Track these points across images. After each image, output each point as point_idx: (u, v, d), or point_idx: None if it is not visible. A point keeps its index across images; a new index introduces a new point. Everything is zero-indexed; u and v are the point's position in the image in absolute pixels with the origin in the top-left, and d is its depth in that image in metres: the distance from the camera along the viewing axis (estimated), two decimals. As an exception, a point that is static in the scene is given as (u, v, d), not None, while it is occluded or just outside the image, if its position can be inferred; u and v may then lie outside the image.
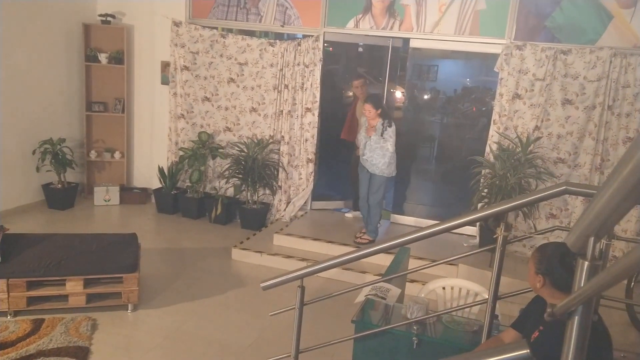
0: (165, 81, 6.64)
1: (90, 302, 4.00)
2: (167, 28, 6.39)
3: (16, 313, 3.88)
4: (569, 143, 5.25)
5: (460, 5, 5.47)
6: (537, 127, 5.28)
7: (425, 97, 6.36)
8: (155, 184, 6.73)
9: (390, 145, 5.07)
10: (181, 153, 6.42)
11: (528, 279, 2.14)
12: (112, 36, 6.58)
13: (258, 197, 6.19)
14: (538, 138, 5.20)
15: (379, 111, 5.04)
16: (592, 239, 1.09)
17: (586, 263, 1.11)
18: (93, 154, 6.76)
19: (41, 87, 6.19)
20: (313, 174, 6.25)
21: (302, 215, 6.23)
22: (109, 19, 6.51)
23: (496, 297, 2.48)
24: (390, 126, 5.04)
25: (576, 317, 1.10)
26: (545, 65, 5.15)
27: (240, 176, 6.02)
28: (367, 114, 5.05)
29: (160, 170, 6.57)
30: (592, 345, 1.20)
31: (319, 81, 5.95)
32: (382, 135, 5.04)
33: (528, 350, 1.16)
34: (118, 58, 6.59)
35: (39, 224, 5.79)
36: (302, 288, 2.52)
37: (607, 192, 1.01)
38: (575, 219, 5.06)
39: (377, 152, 5.09)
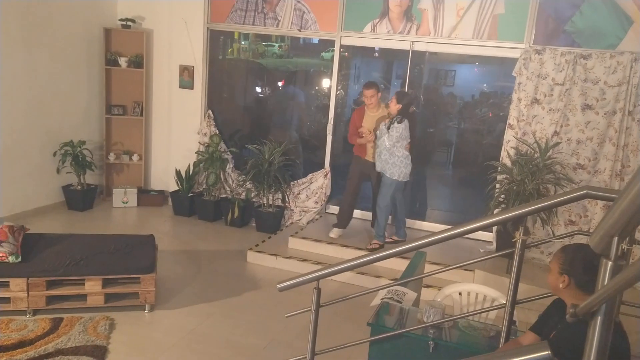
0: (183, 85, 6.71)
1: (108, 302, 4.05)
2: (186, 32, 6.47)
3: (35, 312, 3.93)
4: (588, 149, 5.18)
5: (479, 9, 5.44)
6: (556, 133, 5.22)
7: (443, 102, 6.33)
8: (172, 186, 6.79)
9: (387, 140, 4.95)
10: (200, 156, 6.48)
11: (549, 280, 2.12)
12: (132, 40, 6.67)
13: (273, 200, 6.21)
14: (557, 143, 5.14)
15: (399, 107, 4.95)
16: (615, 239, 1.08)
17: (610, 263, 1.10)
18: (112, 157, 6.85)
19: (62, 90, 6.29)
20: (328, 179, 6.25)
21: (317, 219, 6.23)
22: (129, 23, 6.61)
23: (514, 302, 2.45)
24: (399, 122, 4.92)
25: (599, 317, 1.09)
26: (564, 70, 5.10)
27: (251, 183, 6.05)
28: (391, 105, 5.03)
29: (177, 173, 6.63)
30: (611, 347, 1.18)
31: (333, 87, 5.96)
32: (388, 129, 4.95)
33: (549, 352, 1.15)
34: (137, 62, 6.67)
35: (59, 224, 5.88)
36: (319, 290, 2.52)
37: (631, 191, 1.00)
38: (595, 225, 4.98)
39: (384, 150, 5.05)
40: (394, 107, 4.96)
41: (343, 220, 5.64)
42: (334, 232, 5.61)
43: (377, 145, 5.16)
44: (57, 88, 6.21)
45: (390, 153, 5.01)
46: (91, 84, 6.66)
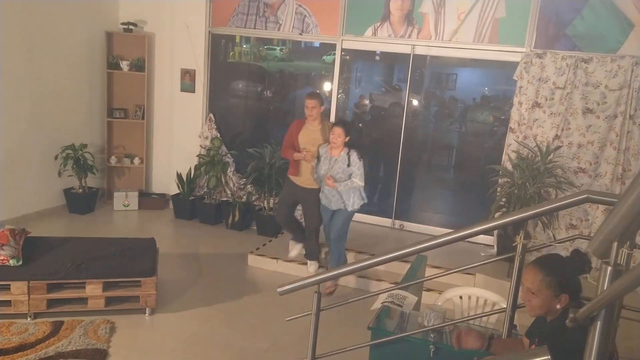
0: (184, 88, 6.73)
1: (109, 305, 4.04)
2: (187, 36, 6.49)
3: (36, 315, 3.93)
4: (589, 152, 5.18)
5: (480, 13, 5.45)
6: (557, 136, 5.22)
7: (444, 105, 6.34)
8: (174, 189, 6.80)
9: (359, 179, 4.46)
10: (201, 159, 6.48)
11: (537, 305, 1.99)
12: (134, 44, 6.69)
13: (274, 203, 6.21)
14: (558, 147, 5.14)
15: (347, 139, 4.43)
16: (615, 244, 1.08)
17: (609, 268, 1.10)
18: (113, 160, 6.86)
19: (64, 94, 6.31)
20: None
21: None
22: (131, 27, 6.63)
23: (515, 306, 2.45)
24: (360, 159, 4.45)
25: (598, 322, 1.09)
26: (565, 74, 5.11)
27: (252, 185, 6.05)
28: (335, 139, 4.39)
29: (179, 176, 6.64)
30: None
31: (335, 91, 5.97)
32: (348, 166, 4.43)
33: (549, 357, 1.15)
34: (139, 65, 6.69)
35: (60, 227, 5.88)
36: (319, 293, 2.52)
37: (631, 196, 1.00)
38: (596, 229, 4.98)
39: (344, 186, 4.48)
40: (342, 141, 4.41)
41: (312, 251, 5.11)
42: (294, 251, 5.18)
43: (322, 181, 4.62)
44: (59, 91, 6.22)
45: (349, 189, 4.53)
46: (93, 88, 6.68)
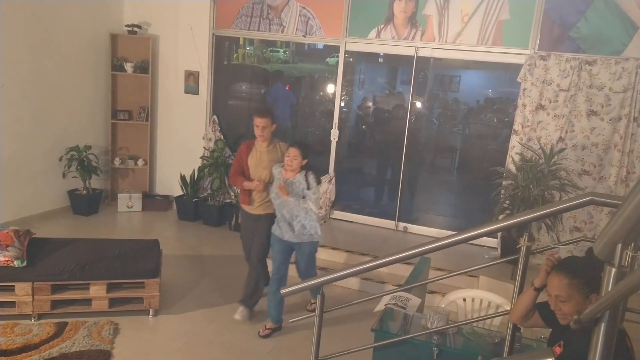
0: (188, 90, 6.75)
1: (113, 306, 4.06)
2: (191, 38, 6.51)
3: (40, 316, 3.95)
4: (593, 155, 5.17)
5: (484, 15, 5.45)
6: (561, 139, 5.21)
7: (447, 107, 6.33)
8: (177, 191, 6.81)
9: (314, 205, 3.91)
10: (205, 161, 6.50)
11: (568, 311, 1.90)
12: (138, 46, 6.72)
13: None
14: (562, 149, 5.13)
15: (305, 162, 3.89)
16: (619, 246, 1.08)
17: (613, 270, 1.09)
18: (117, 161, 6.88)
19: (69, 95, 6.33)
20: (332, 185, 6.26)
21: (321, 224, 6.21)
22: (135, 29, 6.66)
23: (519, 308, 2.44)
24: (318, 182, 3.96)
25: (602, 324, 1.09)
26: (569, 76, 5.10)
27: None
28: (291, 162, 3.84)
29: (182, 178, 6.65)
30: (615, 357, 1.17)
31: (338, 93, 5.98)
32: (307, 189, 3.87)
33: (553, 358, 1.15)
34: (143, 67, 6.71)
35: (64, 229, 5.90)
36: (322, 295, 2.52)
37: (635, 198, 1.00)
38: (600, 232, 4.96)
39: (301, 212, 3.92)
40: (297, 163, 3.85)
41: (251, 294, 4.29)
42: (239, 313, 4.27)
43: (286, 213, 3.96)
44: (63, 93, 6.25)
45: (307, 214, 3.97)
46: (97, 89, 6.70)
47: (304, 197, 3.88)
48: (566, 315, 1.92)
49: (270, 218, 4.12)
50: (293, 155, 3.84)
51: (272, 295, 4.03)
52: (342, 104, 6.26)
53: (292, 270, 4.26)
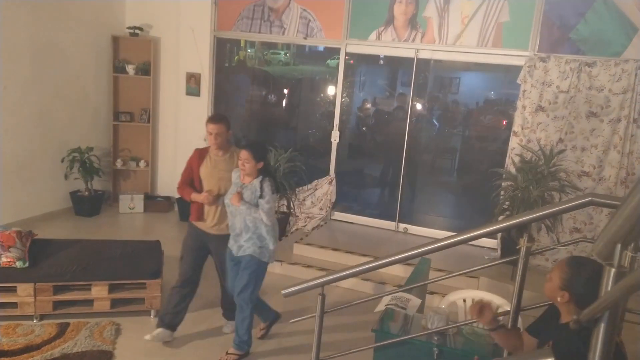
0: (190, 92, 6.77)
1: (115, 307, 4.07)
2: (193, 40, 6.54)
3: (42, 317, 3.96)
4: (593, 156, 5.18)
5: (483, 17, 5.47)
6: (560, 140, 5.23)
7: (447, 109, 6.36)
8: (178, 192, 6.82)
9: (266, 216, 3.48)
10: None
11: (547, 289, 2.07)
12: (140, 48, 6.74)
13: (278, 207, 6.22)
14: (562, 151, 5.14)
15: (260, 165, 3.51)
16: (619, 246, 1.09)
17: (613, 270, 1.11)
18: (119, 163, 6.90)
19: (71, 97, 6.35)
20: (333, 186, 6.28)
21: (322, 226, 6.24)
22: (137, 31, 6.68)
23: (519, 309, 2.46)
24: (273, 191, 3.54)
25: (602, 324, 1.10)
26: (569, 78, 5.11)
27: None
28: (242, 165, 3.48)
29: (184, 179, 6.67)
30: None
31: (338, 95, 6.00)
32: (260, 197, 3.49)
33: (552, 358, 1.16)
34: (145, 69, 6.74)
35: (66, 230, 5.91)
36: (323, 296, 2.54)
37: (634, 199, 1.01)
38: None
39: (251, 223, 3.54)
40: (252, 166, 3.48)
41: (171, 317, 3.86)
42: (229, 327, 4.05)
43: (233, 217, 3.60)
44: (65, 95, 6.27)
45: (257, 226, 3.56)
46: (99, 91, 6.72)
47: (257, 206, 3.49)
48: (545, 291, 2.08)
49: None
50: (244, 158, 3.47)
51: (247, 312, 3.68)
52: (343, 104, 6.28)
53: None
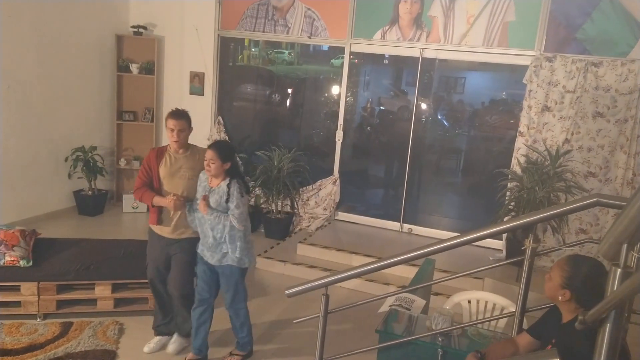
0: (193, 91, 6.77)
1: (118, 306, 4.07)
2: (197, 39, 6.54)
3: (45, 316, 3.96)
4: (599, 157, 5.15)
5: (489, 16, 5.44)
6: (567, 140, 5.20)
7: (452, 109, 6.32)
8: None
9: (237, 221, 3.27)
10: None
11: (547, 288, 2.08)
12: (144, 47, 6.74)
13: (282, 206, 6.22)
14: (568, 151, 5.11)
15: (228, 166, 3.28)
16: (624, 246, 1.08)
17: (619, 270, 1.09)
18: (122, 162, 6.90)
19: (75, 96, 6.36)
20: (337, 186, 6.26)
21: (326, 226, 6.23)
22: (140, 30, 6.68)
23: (524, 310, 2.44)
24: (241, 194, 3.28)
25: (608, 324, 1.08)
26: (575, 78, 5.08)
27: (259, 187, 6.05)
28: (208, 166, 3.26)
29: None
30: None
31: (343, 94, 5.98)
32: (227, 202, 3.26)
33: (558, 359, 1.14)
34: (149, 68, 6.74)
35: (70, 229, 5.92)
36: (327, 296, 2.52)
37: (639, 200, 0.99)
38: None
39: (220, 227, 3.30)
40: (219, 167, 3.25)
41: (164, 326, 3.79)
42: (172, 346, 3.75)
43: (202, 223, 3.38)
44: (69, 94, 6.28)
45: (235, 236, 3.33)
46: (103, 90, 6.73)
47: (226, 212, 3.28)
48: (546, 291, 2.11)
49: (192, 243, 3.50)
50: (209, 158, 3.23)
51: (195, 319, 3.52)
52: (347, 104, 6.26)
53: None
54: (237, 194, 3.26)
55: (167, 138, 3.48)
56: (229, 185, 3.27)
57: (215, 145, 3.30)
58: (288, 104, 7.09)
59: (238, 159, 3.34)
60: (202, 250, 3.44)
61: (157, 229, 3.55)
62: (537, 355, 1.45)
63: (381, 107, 6.63)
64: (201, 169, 3.41)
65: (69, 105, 6.31)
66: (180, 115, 3.45)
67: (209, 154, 3.24)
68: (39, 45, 5.79)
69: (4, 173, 5.58)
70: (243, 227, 3.32)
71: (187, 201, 3.40)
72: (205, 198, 3.28)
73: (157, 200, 3.40)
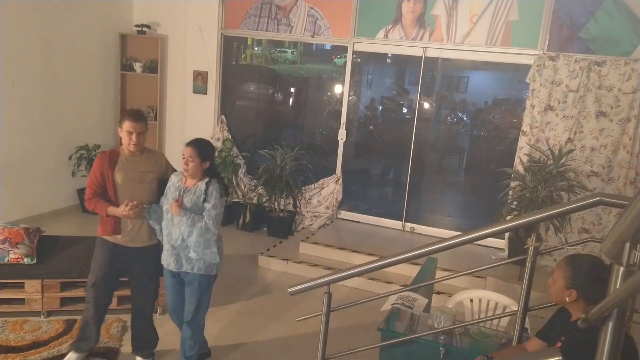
0: (197, 90, 6.78)
1: (121, 304, 4.07)
2: (200, 38, 6.55)
3: (49, 313, 3.98)
4: (602, 156, 5.14)
5: (492, 16, 5.44)
6: (569, 140, 5.19)
7: (455, 108, 6.32)
8: (185, 190, 6.84)
9: (212, 222, 3.06)
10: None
11: (552, 292, 2.09)
12: (147, 46, 6.76)
13: (285, 205, 6.23)
14: (571, 150, 5.11)
15: (207, 165, 3.12)
16: (627, 245, 1.08)
17: (621, 268, 1.10)
18: (126, 161, 6.92)
19: (78, 95, 6.38)
20: (339, 185, 6.27)
21: (328, 225, 6.24)
22: (144, 29, 6.70)
23: (526, 309, 2.44)
24: (221, 195, 3.10)
25: (610, 323, 1.09)
26: (579, 77, 5.07)
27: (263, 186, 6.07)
28: (185, 164, 3.10)
29: (190, 177, 6.69)
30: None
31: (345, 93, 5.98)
32: (204, 202, 3.07)
33: (560, 357, 1.15)
34: (152, 67, 6.76)
35: (74, 227, 5.94)
36: (329, 294, 2.53)
37: (643, 197, 1.00)
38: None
39: (194, 231, 3.07)
40: (197, 166, 3.09)
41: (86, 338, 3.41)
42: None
43: (170, 226, 3.14)
44: (73, 92, 6.30)
45: (204, 236, 3.10)
46: (107, 89, 6.75)
47: (201, 213, 3.08)
48: (551, 295, 2.12)
49: (152, 251, 3.30)
50: (188, 156, 3.06)
51: (183, 340, 3.34)
52: (350, 102, 6.26)
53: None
54: (217, 193, 3.08)
55: (123, 141, 3.22)
56: (207, 184, 3.09)
57: (195, 143, 3.10)
58: (291, 103, 7.09)
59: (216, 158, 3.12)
60: (167, 257, 3.17)
61: (113, 239, 3.25)
62: (540, 353, 1.45)
63: (384, 106, 6.63)
64: (160, 171, 3.31)
65: (73, 103, 6.32)
66: (140, 118, 3.22)
67: (188, 152, 3.07)
68: (43, 44, 5.81)
69: (8, 171, 5.61)
70: (217, 230, 3.12)
71: (147, 207, 3.19)
72: (180, 199, 3.08)
73: (112, 210, 3.15)
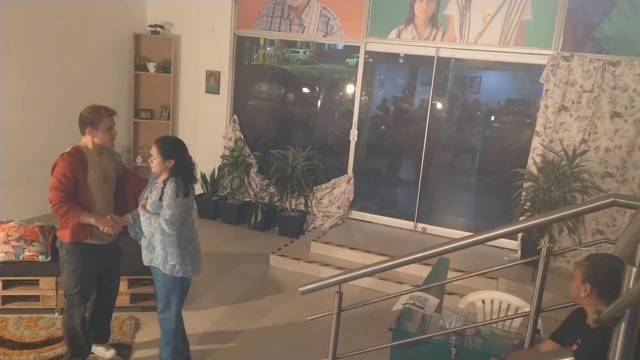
0: (209, 90, 6.82)
1: (134, 302, 4.12)
2: (213, 38, 6.59)
3: (63, 310, 4.01)
4: (617, 157, 5.08)
5: (506, 15, 5.41)
6: (584, 140, 5.14)
7: (468, 108, 6.29)
8: (197, 189, 6.86)
9: (166, 224, 2.96)
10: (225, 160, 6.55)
11: (571, 288, 2.12)
12: (161, 46, 6.81)
13: (296, 205, 6.25)
14: (585, 151, 5.06)
15: (171, 163, 3.01)
16: (641, 246, 1.07)
17: (634, 269, 1.09)
18: (139, 160, 6.98)
19: (92, 94, 6.42)
20: (351, 185, 6.27)
21: (339, 224, 6.24)
22: (158, 29, 6.75)
23: (539, 310, 2.42)
24: (176, 194, 2.95)
25: (623, 323, 1.08)
26: (593, 77, 5.02)
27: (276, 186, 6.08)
28: (151, 161, 3.06)
29: (203, 176, 6.72)
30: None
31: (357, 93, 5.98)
32: (160, 199, 2.99)
33: (572, 358, 1.15)
34: (165, 67, 6.81)
35: (87, 225, 6.00)
36: (340, 294, 2.53)
37: (657, 197, 0.99)
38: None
39: (155, 231, 3.04)
40: (161, 163, 3.03)
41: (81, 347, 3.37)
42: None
43: (145, 226, 3.09)
44: (87, 92, 6.36)
45: (166, 241, 3.05)
46: (120, 88, 6.82)
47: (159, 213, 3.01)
48: (570, 291, 2.13)
49: (119, 243, 3.37)
50: (151, 154, 3.04)
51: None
52: (362, 102, 6.26)
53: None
54: (172, 193, 2.95)
55: (97, 139, 3.25)
56: (165, 182, 3.01)
57: (158, 141, 3.06)
58: (303, 103, 7.11)
59: (190, 158, 3.12)
60: (143, 251, 3.16)
61: (91, 241, 3.17)
62: (551, 354, 1.44)
63: (396, 106, 6.61)
64: (118, 169, 3.35)
65: (87, 102, 6.28)
66: (108, 112, 3.27)
67: (152, 149, 3.05)
68: (58, 44, 5.88)
69: (23, 169, 5.68)
70: (175, 231, 2.99)
71: (124, 222, 3.17)
72: (145, 199, 3.07)
73: (87, 218, 3.06)
